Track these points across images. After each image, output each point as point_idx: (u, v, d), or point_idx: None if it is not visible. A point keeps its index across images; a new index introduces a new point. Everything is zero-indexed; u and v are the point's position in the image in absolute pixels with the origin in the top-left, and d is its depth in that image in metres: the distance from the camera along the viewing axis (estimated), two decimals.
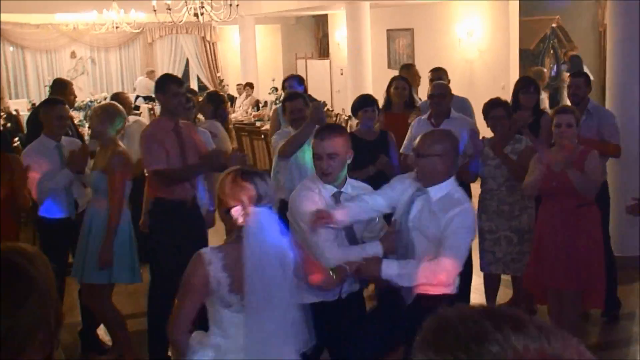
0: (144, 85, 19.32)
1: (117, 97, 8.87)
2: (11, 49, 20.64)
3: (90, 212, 6.25)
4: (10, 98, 19.93)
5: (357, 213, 4.65)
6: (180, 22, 13.00)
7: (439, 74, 8.62)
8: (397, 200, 4.65)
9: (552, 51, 13.60)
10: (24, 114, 16.69)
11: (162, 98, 6.45)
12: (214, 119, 7.89)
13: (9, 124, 14.03)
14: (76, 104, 16.54)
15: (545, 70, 13.14)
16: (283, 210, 5.06)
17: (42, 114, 6.83)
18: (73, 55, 20.89)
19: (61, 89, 8.70)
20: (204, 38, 21.95)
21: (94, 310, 6.60)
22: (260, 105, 17.10)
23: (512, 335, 1.13)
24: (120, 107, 6.57)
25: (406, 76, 8.79)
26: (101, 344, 6.96)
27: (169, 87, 6.30)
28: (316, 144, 4.64)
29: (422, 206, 4.53)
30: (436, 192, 4.50)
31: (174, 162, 6.15)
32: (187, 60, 22.18)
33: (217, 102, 8.18)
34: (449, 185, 4.54)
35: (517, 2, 13.67)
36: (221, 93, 9.43)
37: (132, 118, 8.90)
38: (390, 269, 4.35)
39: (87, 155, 6.42)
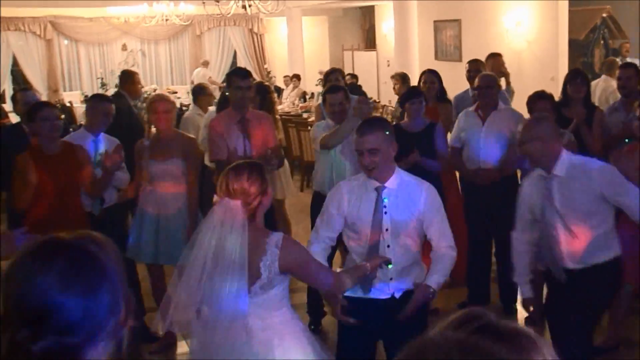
0: (202, 75, 19.40)
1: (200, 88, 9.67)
2: (65, 42, 20.95)
3: (152, 197, 6.39)
4: (64, 90, 20.27)
5: None
6: (228, 14, 13.05)
7: (476, 66, 8.56)
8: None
9: (602, 41, 13.32)
10: (77, 105, 16.89)
11: (229, 90, 6.65)
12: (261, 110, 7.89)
13: (62, 116, 14.13)
14: None
15: (617, 60, 12.87)
16: (317, 200, 5.06)
17: (88, 108, 6.93)
18: (124, 47, 21.13)
19: (128, 79, 8.94)
20: (251, 30, 22.01)
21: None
22: (307, 96, 17.08)
23: None
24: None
25: (492, 66, 9.03)
26: (149, 332, 6.80)
27: (232, 80, 6.49)
28: (357, 140, 4.54)
29: (559, 187, 4.65)
30: (560, 167, 4.64)
31: (238, 153, 6.22)
32: (235, 52, 22.25)
33: (263, 93, 8.16)
34: (565, 155, 4.68)
35: None
36: (267, 83, 9.42)
37: (211, 109, 9.22)
38: (436, 279, 4.56)
39: (121, 157, 6.36)
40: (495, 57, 9.58)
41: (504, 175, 6.75)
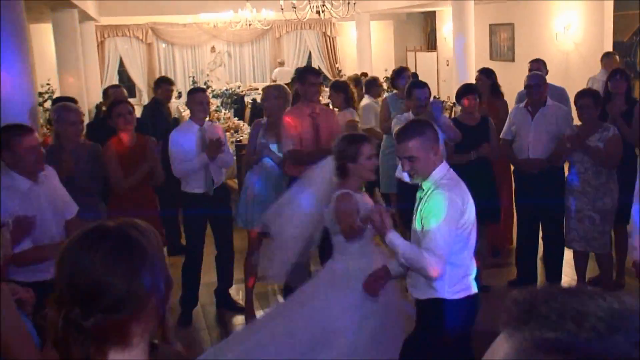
0: (285, 73, 19.45)
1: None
2: (163, 45, 21.12)
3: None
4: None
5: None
6: (304, 19, 13.07)
7: (537, 65, 8.48)
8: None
9: None
10: (173, 101, 17.10)
11: (300, 87, 6.54)
12: (346, 109, 7.90)
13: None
14: (214, 92, 16.97)
15: None
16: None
17: (187, 102, 6.98)
18: (213, 49, 21.16)
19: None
20: (324, 33, 21.98)
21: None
22: None
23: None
24: None
25: (606, 64, 9.48)
26: (234, 303, 7.05)
27: (307, 77, 6.41)
28: (396, 146, 4.23)
29: None
30: None
31: (308, 144, 6.24)
32: (310, 53, 22.24)
33: (344, 89, 8.06)
34: None
35: None
36: (346, 81, 9.38)
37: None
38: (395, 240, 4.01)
39: (222, 144, 6.50)
40: (609, 56, 9.97)
41: (551, 165, 6.71)
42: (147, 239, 1.78)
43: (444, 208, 3.89)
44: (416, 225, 4.08)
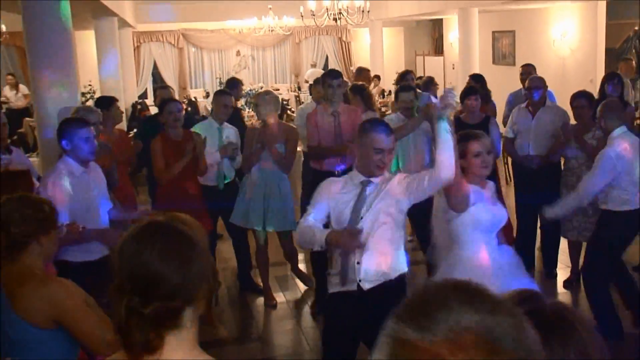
0: (317, 73, 19.35)
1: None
2: (192, 50, 21.19)
3: (267, 174, 6.36)
4: (191, 88, 20.56)
5: None
6: (322, 25, 13.10)
7: (528, 69, 8.51)
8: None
9: (634, 50, 13.07)
10: (201, 100, 17.25)
11: (322, 88, 6.49)
12: (366, 111, 7.81)
13: (189, 108, 14.53)
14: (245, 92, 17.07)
15: None
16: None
17: (213, 101, 6.97)
18: (238, 53, 21.18)
19: (234, 85, 8.98)
20: (340, 38, 21.98)
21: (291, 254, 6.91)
22: (385, 93, 17.08)
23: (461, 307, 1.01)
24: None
25: (623, 68, 9.47)
26: (255, 285, 7.04)
27: (324, 80, 6.37)
28: (381, 139, 3.93)
29: None
30: None
31: (329, 141, 6.19)
32: (327, 57, 22.27)
33: (360, 92, 7.84)
34: None
35: (604, 7, 13.22)
36: (362, 83, 9.30)
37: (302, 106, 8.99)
38: None
39: (237, 147, 6.54)
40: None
41: (549, 161, 6.74)
42: (193, 231, 1.81)
43: None
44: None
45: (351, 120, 6.29)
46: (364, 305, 3.92)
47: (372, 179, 3.99)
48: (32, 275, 2.86)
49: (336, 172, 6.14)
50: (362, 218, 3.92)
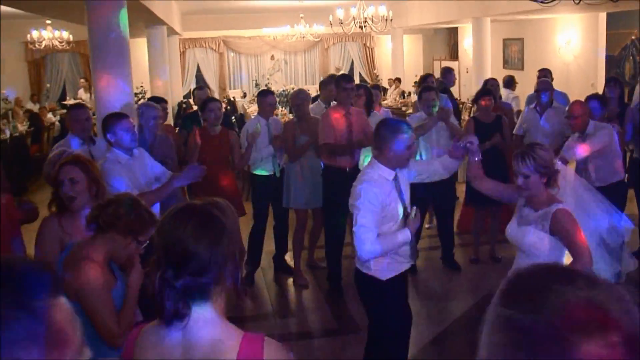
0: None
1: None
2: (232, 54, 21.21)
3: (313, 161, 6.47)
4: (230, 89, 20.64)
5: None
6: (349, 32, 13.11)
7: (544, 73, 8.46)
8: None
9: (631, 57, 12.93)
10: (239, 100, 17.34)
11: (336, 91, 6.47)
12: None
13: (228, 107, 14.62)
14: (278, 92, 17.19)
15: None
16: None
17: (257, 101, 6.90)
18: (272, 58, 21.18)
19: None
20: (364, 44, 21.91)
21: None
22: (405, 94, 17.08)
23: (566, 286, 0.96)
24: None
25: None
26: (288, 267, 7.02)
27: (339, 82, 6.34)
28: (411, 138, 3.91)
29: None
30: None
31: (342, 139, 6.14)
32: (352, 61, 22.26)
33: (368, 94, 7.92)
34: None
35: (605, 18, 13.10)
36: (375, 84, 9.19)
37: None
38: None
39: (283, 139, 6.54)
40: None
41: (557, 159, 6.71)
42: (226, 216, 1.83)
43: None
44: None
45: (360, 121, 6.29)
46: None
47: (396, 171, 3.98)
48: (81, 257, 2.87)
49: (347, 169, 6.18)
50: (407, 204, 3.97)
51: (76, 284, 2.76)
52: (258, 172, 6.70)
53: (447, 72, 9.33)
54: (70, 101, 17.14)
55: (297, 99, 6.59)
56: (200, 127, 6.31)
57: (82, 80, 18.45)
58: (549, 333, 0.91)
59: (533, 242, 3.56)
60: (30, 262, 1.12)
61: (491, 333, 0.98)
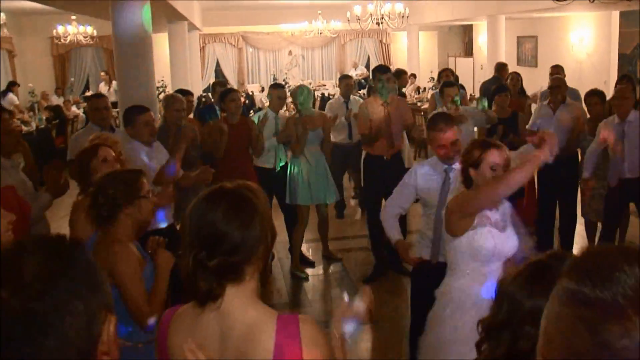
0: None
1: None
2: (250, 50, 21.23)
3: (317, 156, 6.44)
4: (248, 83, 20.68)
5: None
6: (366, 29, 13.11)
7: (557, 70, 8.42)
8: None
9: None
10: (257, 94, 17.36)
11: (372, 81, 6.56)
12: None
13: (247, 101, 14.63)
14: (290, 87, 17.18)
15: None
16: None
17: (269, 94, 6.97)
18: (289, 53, 21.15)
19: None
20: (381, 41, 21.86)
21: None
22: (420, 90, 17.01)
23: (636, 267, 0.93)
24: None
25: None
26: (306, 258, 7.04)
27: (375, 74, 6.40)
28: (440, 135, 3.93)
29: None
30: None
31: (380, 128, 6.18)
32: (369, 57, 22.22)
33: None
34: None
35: (618, 16, 13.00)
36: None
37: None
38: None
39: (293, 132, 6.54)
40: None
41: (568, 153, 6.71)
42: (258, 198, 1.82)
43: None
44: None
45: (399, 110, 6.33)
46: None
47: (453, 166, 3.97)
48: (111, 241, 2.91)
49: (384, 157, 6.23)
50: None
51: (109, 265, 2.80)
52: (260, 164, 6.69)
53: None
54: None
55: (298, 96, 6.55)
56: (221, 117, 6.39)
57: (103, 73, 18.60)
58: (613, 311, 0.90)
59: None
60: (63, 235, 1.19)
61: (554, 305, 0.98)
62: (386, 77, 6.28)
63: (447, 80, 7.60)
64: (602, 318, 0.90)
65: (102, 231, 2.95)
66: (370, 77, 6.79)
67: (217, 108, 7.34)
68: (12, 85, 15.90)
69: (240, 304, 1.77)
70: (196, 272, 1.74)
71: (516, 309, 1.61)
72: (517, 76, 8.16)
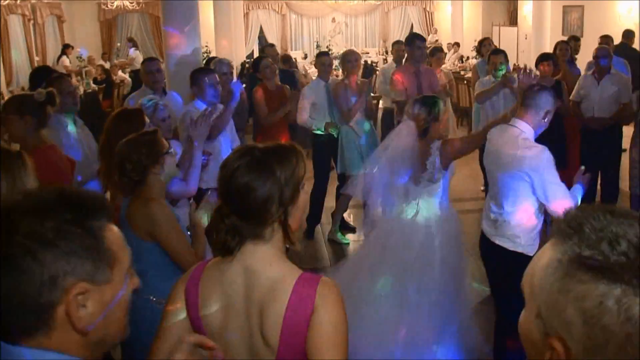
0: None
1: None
2: (293, 16, 21.14)
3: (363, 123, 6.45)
4: (292, 50, 20.66)
5: None
6: None
7: (605, 40, 8.22)
8: None
9: None
10: (300, 61, 17.30)
11: (408, 50, 6.53)
12: None
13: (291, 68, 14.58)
14: (333, 54, 17.07)
15: None
16: None
17: (315, 63, 7.11)
18: (333, 20, 21.07)
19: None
20: (424, 9, 21.56)
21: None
22: (464, 59, 16.79)
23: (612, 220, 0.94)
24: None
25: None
26: (347, 223, 7.02)
27: (414, 41, 6.40)
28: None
29: None
30: None
31: (413, 96, 6.11)
32: (412, 25, 21.93)
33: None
34: None
35: None
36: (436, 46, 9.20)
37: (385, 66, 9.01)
38: None
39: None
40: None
41: (612, 123, 6.58)
42: (289, 158, 1.82)
43: None
44: None
45: (430, 79, 6.35)
46: None
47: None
48: (145, 200, 2.97)
49: None
50: None
51: (149, 223, 2.88)
52: (318, 131, 6.66)
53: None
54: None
55: (347, 61, 6.51)
56: (259, 84, 6.50)
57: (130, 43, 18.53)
58: (609, 265, 0.90)
59: None
60: (91, 192, 1.26)
61: (552, 272, 0.98)
62: (424, 45, 6.37)
63: (496, 48, 7.47)
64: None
65: (134, 195, 3.02)
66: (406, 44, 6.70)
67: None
68: (66, 48, 16.18)
69: (263, 261, 1.79)
70: (217, 225, 1.79)
71: None
72: (565, 45, 7.95)
